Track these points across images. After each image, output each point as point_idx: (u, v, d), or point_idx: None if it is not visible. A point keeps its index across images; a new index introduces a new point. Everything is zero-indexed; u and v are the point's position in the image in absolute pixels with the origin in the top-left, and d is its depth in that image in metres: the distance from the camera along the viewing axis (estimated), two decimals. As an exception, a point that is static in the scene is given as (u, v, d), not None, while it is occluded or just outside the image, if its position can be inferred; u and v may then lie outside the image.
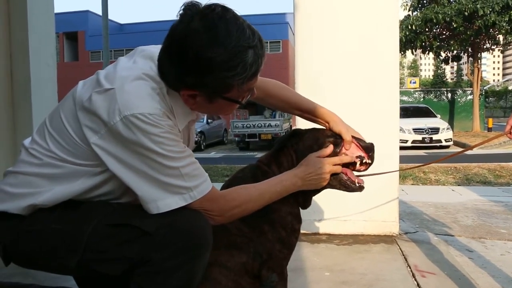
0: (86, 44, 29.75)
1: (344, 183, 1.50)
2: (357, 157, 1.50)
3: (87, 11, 29.93)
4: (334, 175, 1.47)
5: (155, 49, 1.26)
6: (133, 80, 1.19)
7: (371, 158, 1.53)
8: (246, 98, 1.28)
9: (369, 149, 1.53)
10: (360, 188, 1.52)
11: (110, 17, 11.60)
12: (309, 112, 1.65)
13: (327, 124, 1.59)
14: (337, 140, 1.52)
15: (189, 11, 1.15)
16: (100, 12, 11.51)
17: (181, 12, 1.16)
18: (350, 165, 1.51)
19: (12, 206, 1.24)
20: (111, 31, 14.83)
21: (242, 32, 1.14)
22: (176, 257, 1.18)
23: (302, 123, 2.02)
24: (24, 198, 1.24)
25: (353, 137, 1.53)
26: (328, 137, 1.53)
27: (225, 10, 1.16)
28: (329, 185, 1.49)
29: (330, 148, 1.48)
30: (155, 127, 1.15)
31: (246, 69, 1.15)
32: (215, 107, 1.26)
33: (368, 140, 1.56)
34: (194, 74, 1.15)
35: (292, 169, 1.46)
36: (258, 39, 1.18)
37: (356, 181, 1.51)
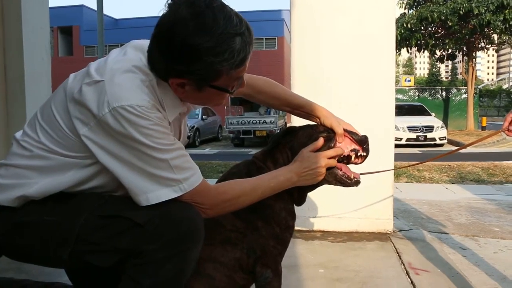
0: (80, 39, 29.61)
1: (339, 178, 1.49)
2: (351, 150, 1.49)
3: (82, 5, 29.78)
4: (329, 169, 1.46)
5: (146, 42, 1.26)
6: (123, 72, 1.19)
7: (366, 150, 1.52)
8: (236, 87, 1.28)
9: (362, 141, 1.51)
10: (356, 183, 1.51)
11: (105, 12, 11.55)
12: (299, 108, 1.65)
13: (318, 119, 1.59)
14: (330, 134, 1.51)
15: (177, 0, 1.16)
16: (95, 7, 11.48)
17: (169, 1, 1.17)
18: (345, 160, 1.51)
19: (2, 197, 1.24)
20: (106, 26, 14.74)
21: (229, 19, 1.15)
22: (168, 249, 1.18)
23: (297, 120, 2.02)
24: (13, 189, 1.23)
25: (345, 130, 1.53)
26: (321, 132, 1.52)
27: None
28: (325, 181, 1.48)
29: (321, 141, 1.48)
30: (144, 119, 1.15)
31: (233, 55, 1.16)
32: (204, 96, 1.26)
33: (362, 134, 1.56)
34: (182, 61, 1.16)
35: (287, 165, 1.45)
36: (246, 27, 1.18)
37: (352, 175, 1.50)
